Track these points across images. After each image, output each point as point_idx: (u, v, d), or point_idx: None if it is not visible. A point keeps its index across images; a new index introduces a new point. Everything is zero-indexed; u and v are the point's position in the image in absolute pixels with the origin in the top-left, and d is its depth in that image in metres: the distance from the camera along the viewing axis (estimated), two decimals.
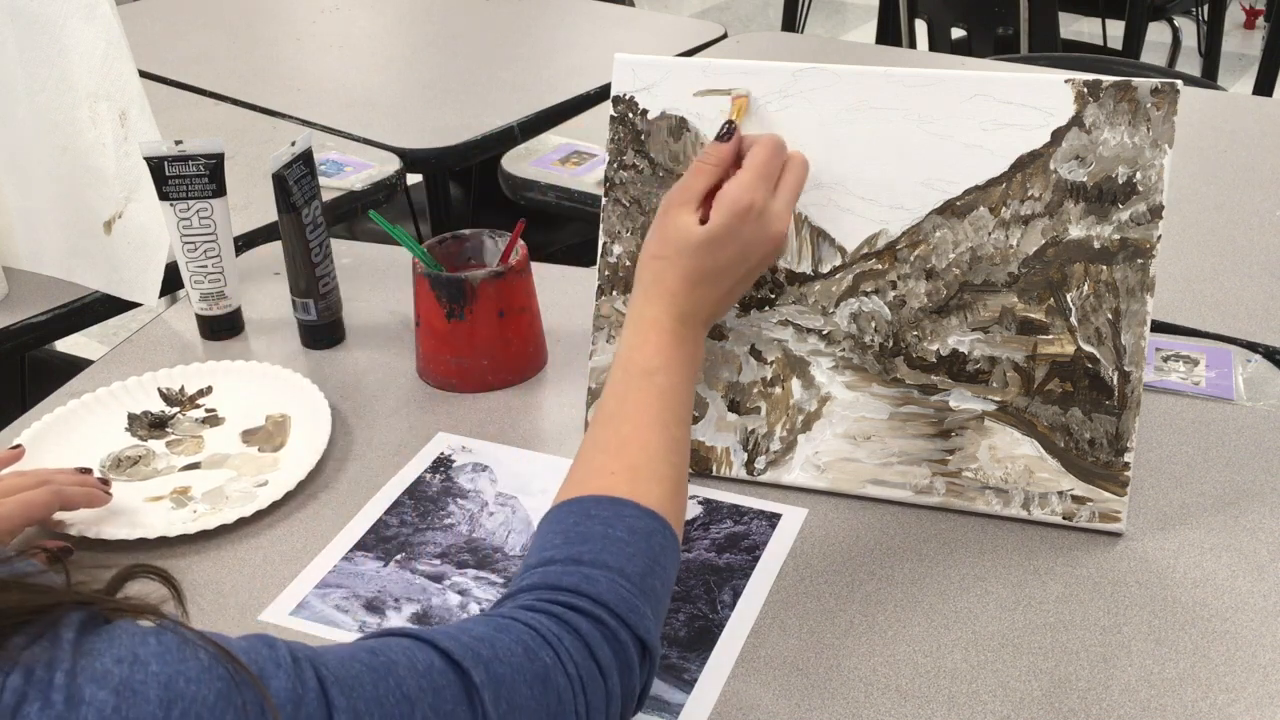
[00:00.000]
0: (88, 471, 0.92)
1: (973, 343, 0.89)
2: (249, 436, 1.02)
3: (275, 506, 0.93)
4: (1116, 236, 0.85)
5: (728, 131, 0.84)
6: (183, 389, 1.08)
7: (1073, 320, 0.87)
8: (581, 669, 0.62)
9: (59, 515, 0.89)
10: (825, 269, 0.91)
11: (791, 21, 3.38)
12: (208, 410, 1.06)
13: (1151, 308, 0.85)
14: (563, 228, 1.97)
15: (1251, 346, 1.09)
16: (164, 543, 0.89)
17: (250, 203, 1.39)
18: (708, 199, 0.81)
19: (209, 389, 1.08)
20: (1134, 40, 2.96)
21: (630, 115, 0.94)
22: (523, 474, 0.97)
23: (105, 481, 0.91)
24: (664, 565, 0.69)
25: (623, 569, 0.66)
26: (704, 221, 0.80)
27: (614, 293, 0.97)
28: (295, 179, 1.06)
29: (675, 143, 0.93)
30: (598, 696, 0.62)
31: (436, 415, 1.05)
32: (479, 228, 1.11)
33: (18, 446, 0.96)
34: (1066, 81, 0.85)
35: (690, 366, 0.79)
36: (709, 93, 0.92)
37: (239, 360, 1.11)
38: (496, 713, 0.58)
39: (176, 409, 1.06)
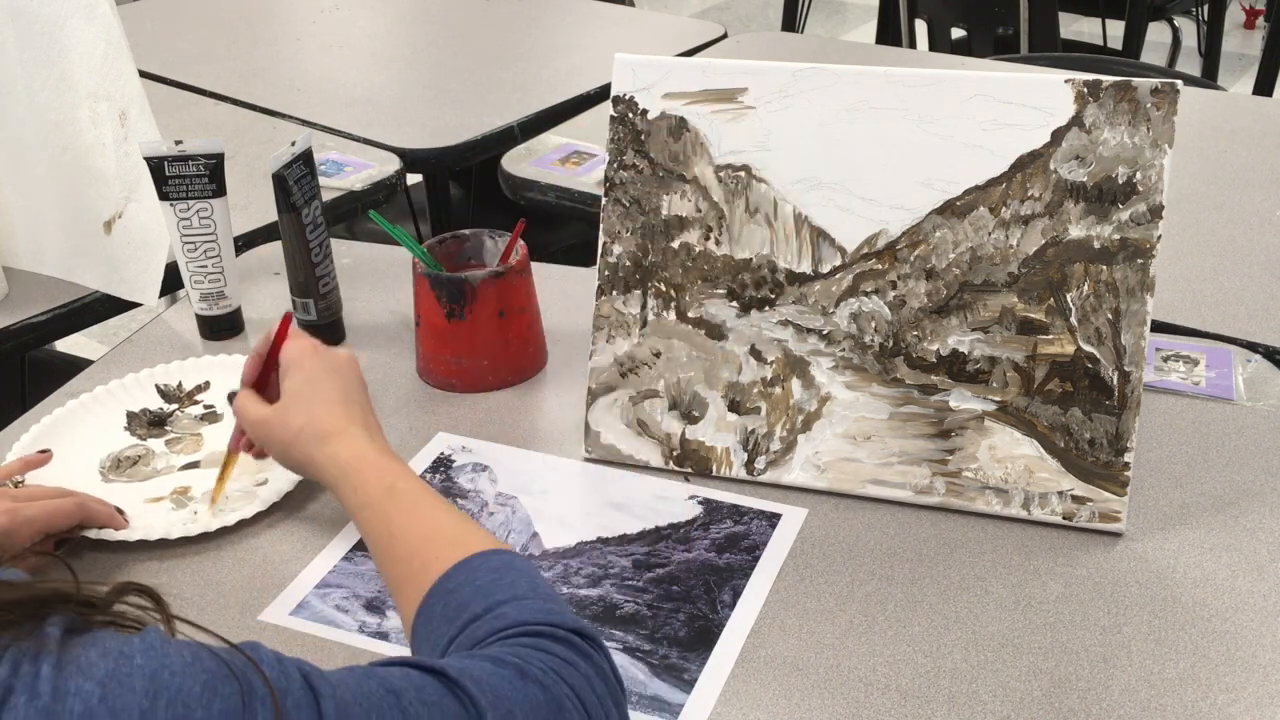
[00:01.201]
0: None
1: (973, 343, 0.89)
2: None
3: (276, 506, 0.93)
4: (1116, 236, 0.85)
5: (233, 395, 0.90)
6: (180, 385, 1.08)
7: (1073, 320, 0.87)
8: (569, 681, 0.61)
9: None
10: (825, 269, 0.91)
11: (791, 21, 3.38)
12: (206, 407, 1.06)
13: (1151, 308, 0.85)
14: (563, 228, 1.96)
15: (1251, 346, 1.09)
16: (164, 543, 0.89)
17: (250, 203, 1.39)
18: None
19: (206, 384, 1.08)
20: (1134, 40, 2.96)
21: (630, 115, 0.94)
22: (523, 474, 0.97)
23: (122, 512, 0.91)
24: (534, 574, 0.69)
25: (515, 595, 0.66)
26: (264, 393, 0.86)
27: (614, 293, 0.97)
28: (295, 179, 1.06)
29: (675, 143, 0.93)
30: (591, 697, 0.61)
31: (436, 415, 1.05)
32: (479, 228, 1.11)
33: (45, 451, 0.96)
34: (1066, 81, 0.85)
35: (393, 457, 0.80)
36: (699, 98, 0.92)
37: (236, 354, 1.11)
38: (487, 702, 0.58)
39: (175, 405, 1.06)
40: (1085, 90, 0.85)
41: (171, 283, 1.22)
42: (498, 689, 0.59)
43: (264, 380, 0.89)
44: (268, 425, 0.84)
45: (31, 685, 0.47)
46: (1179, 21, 3.29)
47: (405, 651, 0.80)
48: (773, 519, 0.91)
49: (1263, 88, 2.77)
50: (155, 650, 0.50)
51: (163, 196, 1.11)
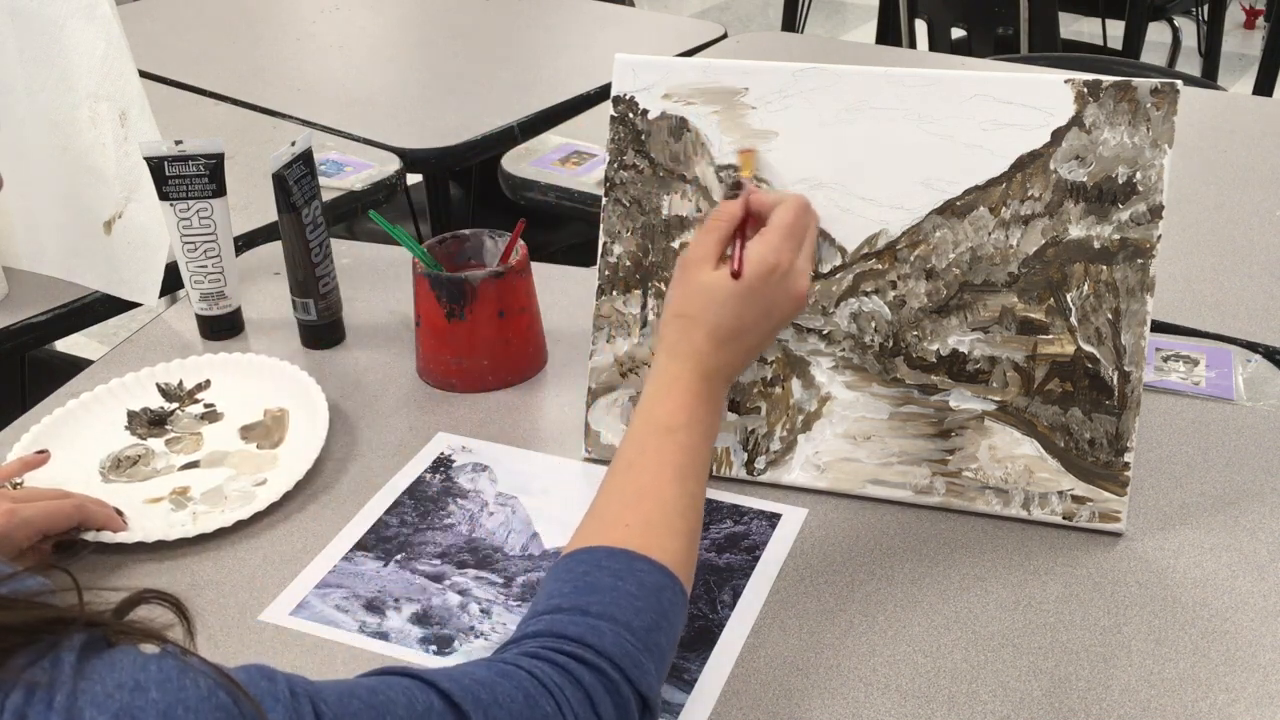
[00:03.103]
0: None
1: (973, 343, 0.89)
2: (248, 432, 1.02)
3: (275, 507, 0.93)
4: (1116, 236, 0.85)
5: (734, 193, 0.85)
6: (181, 383, 1.08)
7: (1073, 320, 0.87)
8: None
9: None
10: (825, 269, 0.91)
11: (791, 21, 3.38)
12: (206, 406, 1.06)
13: (1151, 308, 0.85)
14: (563, 228, 1.96)
15: (1251, 346, 1.09)
16: (163, 545, 0.89)
17: (250, 203, 1.39)
18: (723, 254, 0.82)
19: (207, 383, 1.08)
20: (1134, 40, 2.96)
21: (630, 115, 0.94)
22: (523, 474, 0.97)
23: (121, 513, 0.91)
24: (671, 621, 0.69)
25: (629, 623, 0.66)
26: (736, 275, 0.79)
27: (614, 293, 0.97)
28: (295, 179, 1.06)
29: (675, 143, 0.93)
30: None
31: (436, 415, 1.05)
32: (479, 228, 1.11)
33: (43, 451, 0.96)
34: (1066, 81, 0.85)
35: (711, 424, 0.79)
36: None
37: (235, 353, 1.11)
38: None
39: (175, 404, 1.06)
40: (1085, 90, 0.85)
41: (171, 283, 1.22)
42: None
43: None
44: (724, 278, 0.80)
45: (44, 715, 0.46)
46: (1179, 21, 3.29)
47: (404, 651, 0.80)
48: (773, 519, 0.91)
49: (1263, 88, 2.77)
50: (171, 684, 0.49)
51: (163, 196, 1.11)
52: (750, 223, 0.83)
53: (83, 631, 0.49)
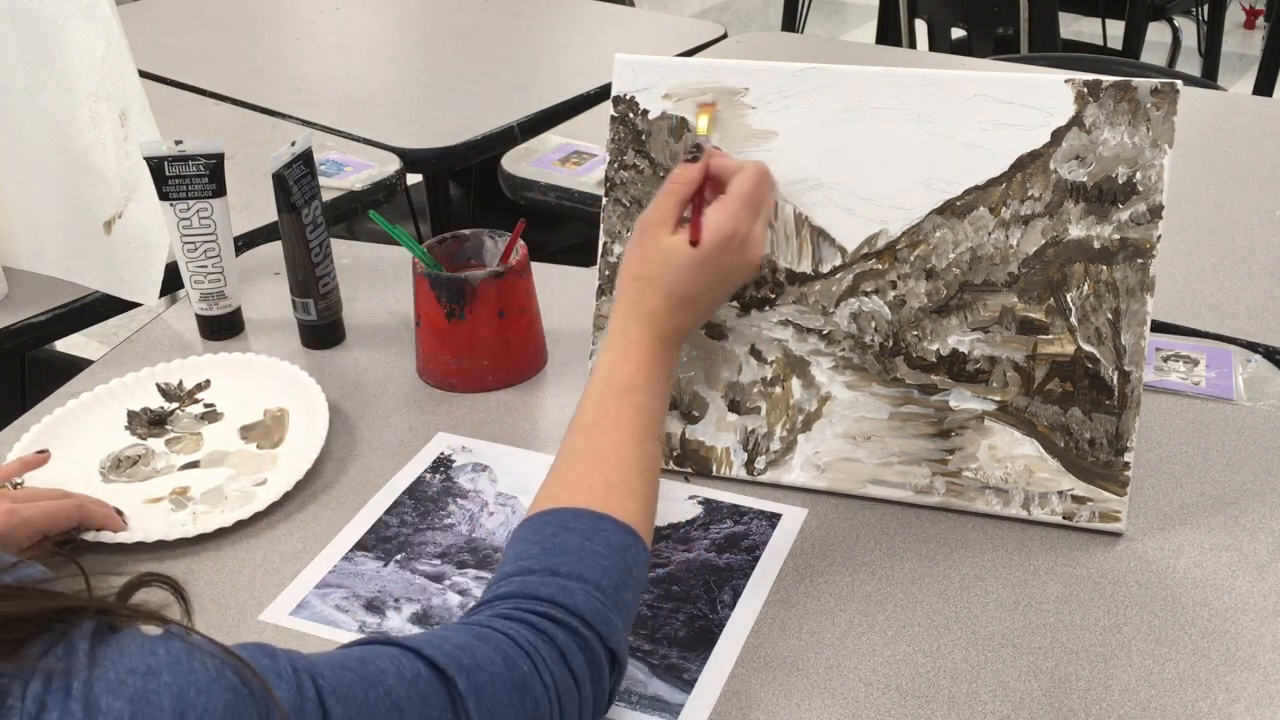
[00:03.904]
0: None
1: (973, 342, 0.89)
2: (248, 432, 1.02)
3: (275, 507, 0.93)
4: (1116, 236, 0.85)
5: (694, 155, 0.86)
6: (181, 383, 1.08)
7: (1073, 320, 0.87)
8: (557, 677, 0.65)
9: None
10: (825, 269, 0.91)
11: (791, 21, 3.38)
12: (206, 406, 1.06)
13: (1151, 308, 0.85)
14: (563, 228, 1.97)
15: (1251, 346, 1.09)
16: (163, 545, 0.89)
17: (250, 203, 1.39)
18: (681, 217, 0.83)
19: (207, 383, 1.08)
20: (1134, 40, 2.96)
21: (630, 115, 0.94)
22: (523, 474, 0.97)
23: (121, 513, 0.91)
24: (636, 578, 0.72)
25: (598, 582, 0.69)
26: (694, 242, 0.81)
27: (614, 293, 0.96)
28: (295, 179, 1.06)
29: (675, 143, 0.93)
30: (571, 703, 0.65)
31: (436, 415, 1.05)
32: (479, 228, 1.11)
33: (44, 451, 0.96)
34: (1066, 81, 0.85)
35: (666, 384, 0.82)
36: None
37: (235, 353, 1.11)
38: (479, 719, 0.61)
39: (175, 404, 1.06)
40: (1085, 90, 0.85)
41: (171, 283, 1.22)
42: (496, 708, 0.62)
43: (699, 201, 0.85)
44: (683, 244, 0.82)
45: (64, 702, 0.47)
46: (1179, 21, 3.29)
47: None
48: (773, 519, 0.91)
49: (1263, 88, 2.77)
50: (181, 666, 0.50)
51: (163, 196, 1.11)
52: (709, 186, 0.84)
53: (92, 619, 0.51)
